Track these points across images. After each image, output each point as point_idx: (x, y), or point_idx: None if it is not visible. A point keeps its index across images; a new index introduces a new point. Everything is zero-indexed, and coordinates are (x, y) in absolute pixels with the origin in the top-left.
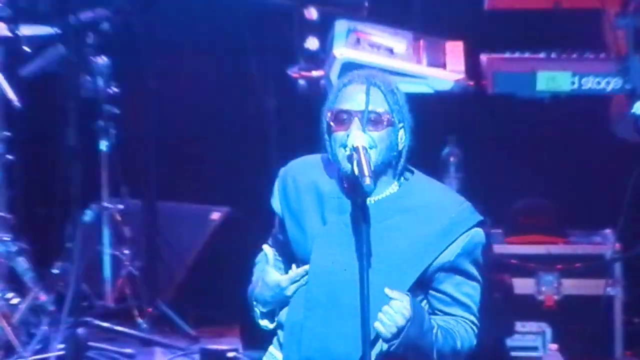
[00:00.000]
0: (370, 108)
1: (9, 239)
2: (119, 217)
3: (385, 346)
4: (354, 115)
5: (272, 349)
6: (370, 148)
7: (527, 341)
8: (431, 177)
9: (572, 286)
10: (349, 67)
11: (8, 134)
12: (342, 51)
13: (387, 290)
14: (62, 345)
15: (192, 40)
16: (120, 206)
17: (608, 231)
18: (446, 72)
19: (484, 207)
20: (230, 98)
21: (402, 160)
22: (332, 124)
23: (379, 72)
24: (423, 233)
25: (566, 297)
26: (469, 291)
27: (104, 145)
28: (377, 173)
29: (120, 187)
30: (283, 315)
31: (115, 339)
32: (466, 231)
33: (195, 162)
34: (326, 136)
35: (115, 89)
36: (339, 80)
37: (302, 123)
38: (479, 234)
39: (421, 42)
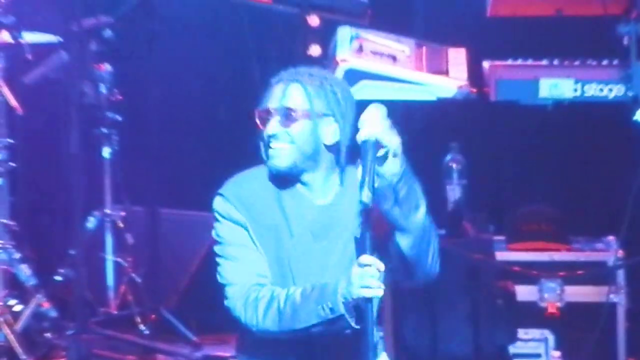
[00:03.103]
0: (286, 104)
1: (11, 246)
2: (121, 224)
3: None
4: (273, 113)
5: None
6: (291, 143)
7: (529, 348)
8: (430, 183)
9: (575, 293)
10: (351, 74)
11: (10, 141)
12: (344, 58)
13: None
14: (65, 353)
15: (195, 48)
16: (123, 213)
17: (611, 238)
18: (449, 79)
19: (487, 214)
20: (233, 105)
21: (341, 156)
22: (257, 122)
23: (312, 69)
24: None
25: (569, 304)
26: None
27: (106, 152)
28: (307, 169)
29: (122, 194)
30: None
31: (118, 346)
32: None
33: (197, 169)
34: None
35: (118, 96)
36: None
37: None
38: None
39: (424, 49)
